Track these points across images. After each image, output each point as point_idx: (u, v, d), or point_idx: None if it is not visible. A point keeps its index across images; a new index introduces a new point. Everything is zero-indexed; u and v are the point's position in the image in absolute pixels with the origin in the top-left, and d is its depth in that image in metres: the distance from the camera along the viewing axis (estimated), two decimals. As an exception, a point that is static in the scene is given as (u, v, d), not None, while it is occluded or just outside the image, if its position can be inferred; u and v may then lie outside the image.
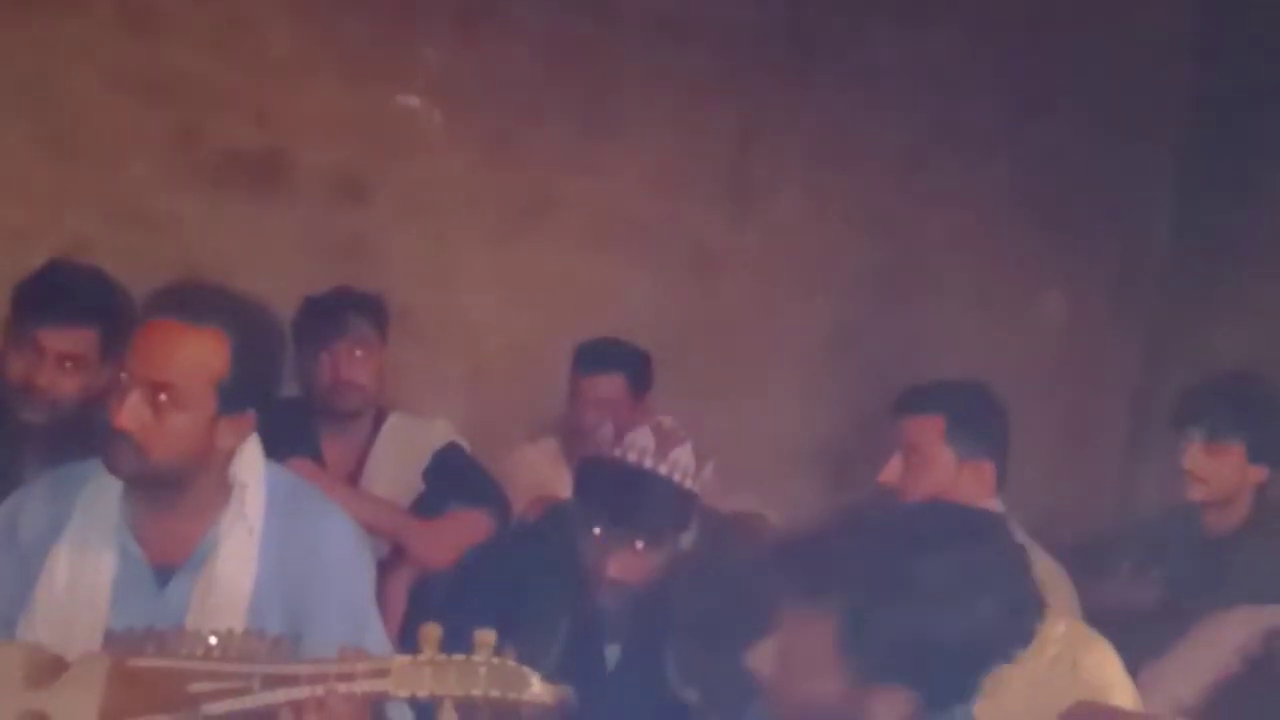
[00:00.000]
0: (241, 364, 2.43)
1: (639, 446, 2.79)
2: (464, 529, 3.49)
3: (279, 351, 2.56)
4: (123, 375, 2.43)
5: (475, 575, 3.08)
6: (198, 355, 2.41)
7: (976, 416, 3.35)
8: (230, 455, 2.51)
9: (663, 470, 2.78)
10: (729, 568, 2.96)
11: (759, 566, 3.16)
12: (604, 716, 2.19)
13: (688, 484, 2.81)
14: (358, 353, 3.85)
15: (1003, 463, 3.37)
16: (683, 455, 2.80)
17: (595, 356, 4.17)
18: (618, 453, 2.80)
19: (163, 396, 2.39)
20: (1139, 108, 5.29)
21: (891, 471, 3.33)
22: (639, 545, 2.79)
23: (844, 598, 1.97)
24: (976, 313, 5.22)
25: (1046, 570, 3.19)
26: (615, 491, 2.80)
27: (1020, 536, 3.24)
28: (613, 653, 2.93)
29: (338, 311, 3.89)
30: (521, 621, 2.20)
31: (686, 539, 2.88)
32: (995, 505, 3.31)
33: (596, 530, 2.81)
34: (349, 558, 2.59)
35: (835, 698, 1.99)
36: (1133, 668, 3.03)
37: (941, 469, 3.30)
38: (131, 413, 2.38)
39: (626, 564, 2.79)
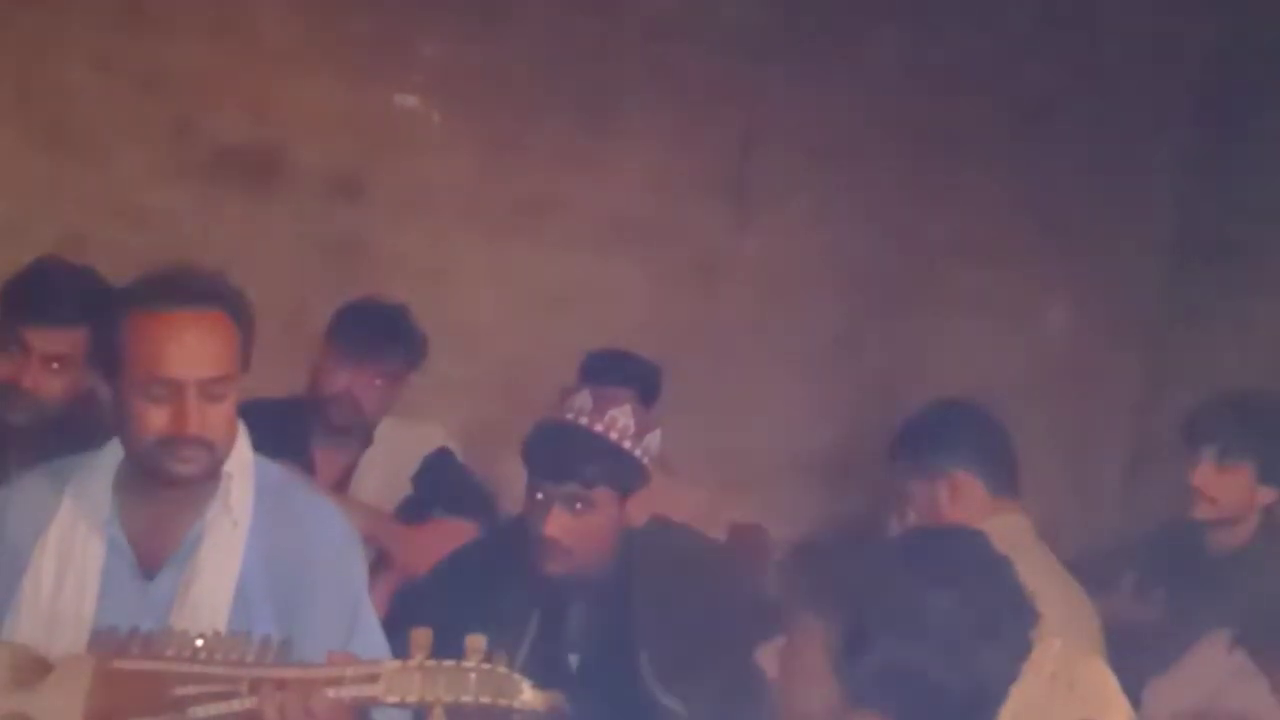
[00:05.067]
0: (244, 333, 2.45)
1: (576, 407, 2.85)
2: (447, 537, 3.45)
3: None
4: (151, 383, 2.36)
5: (446, 579, 3.09)
6: (224, 339, 2.41)
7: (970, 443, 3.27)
8: None
9: (598, 427, 2.83)
10: (696, 570, 2.97)
11: (730, 572, 3.15)
12: None
13: (625, 444, 2.83)
14: (378, 382, 3.77)
15: (994, 470, 3.27)
16: (621, 416, 2.84)
17: (605, 370, 3.96)
18: (557, 414, 2.87)
19: (219, 390, 2.38)
20: (1143, 116, 5.26)
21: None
22: (577, 506, 2.82)
23: (844, 616, 1.99)
24: (979, 320, 5.19)
25: (1070, 600, 3.15)
26: (550, 447, 2.86)
27: (1045, 560, 3.21)
28: (575, 660, 2.93)
29: (387, 335, 3.77)
30: (490, 624, 2.17)
31: (635, 515, 2.88)
32: (997, 519, 3.25)
33: (539, 496, 2.85)
34: (339, 553, 2.55)
35: (823, 712, 2.01)
36: (1132, 686, 2.99)
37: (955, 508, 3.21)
38: (200, 417, 2.36)
39: (564, 524, 2.82)
